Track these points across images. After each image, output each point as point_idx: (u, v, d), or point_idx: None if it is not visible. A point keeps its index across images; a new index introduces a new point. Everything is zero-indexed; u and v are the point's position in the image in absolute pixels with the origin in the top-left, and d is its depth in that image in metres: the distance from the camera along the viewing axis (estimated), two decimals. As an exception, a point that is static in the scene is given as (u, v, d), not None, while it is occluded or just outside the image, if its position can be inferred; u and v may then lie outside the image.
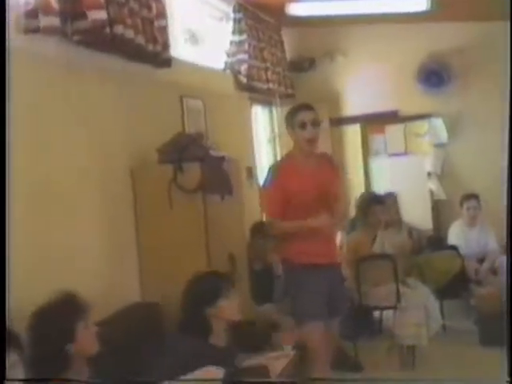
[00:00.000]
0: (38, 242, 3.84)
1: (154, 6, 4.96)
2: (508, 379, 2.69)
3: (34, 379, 2.21)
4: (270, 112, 8.48)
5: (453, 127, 8.37)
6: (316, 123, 4.76)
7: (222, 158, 5.14)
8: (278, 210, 4.66)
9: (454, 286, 6.61)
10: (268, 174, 4.88)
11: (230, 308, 3.76)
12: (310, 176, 4.71)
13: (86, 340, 3.28)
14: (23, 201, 3.70)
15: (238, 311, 3.81)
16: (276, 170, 4.89)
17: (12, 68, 3.58)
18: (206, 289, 3.77)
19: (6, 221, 2.30)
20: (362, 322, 6.09)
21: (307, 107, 4.83)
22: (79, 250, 4.23)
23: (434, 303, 6.03)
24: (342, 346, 5.71)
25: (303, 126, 4.71)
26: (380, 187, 7.97)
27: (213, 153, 5.12)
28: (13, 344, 2.78)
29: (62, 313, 3.26)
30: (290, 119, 4.80)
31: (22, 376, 2.84)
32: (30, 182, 3.81)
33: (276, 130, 8.37)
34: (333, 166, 4.95)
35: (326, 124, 8.31)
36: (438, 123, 8.44)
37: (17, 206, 3.53)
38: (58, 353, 3.20)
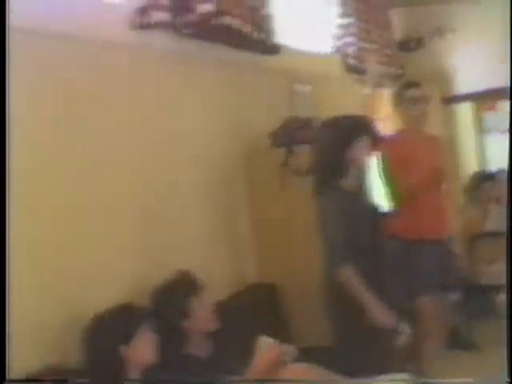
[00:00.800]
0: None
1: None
2: (508, 379, 2.72)
3: (34, 379, 2.33)
4: (380, 93, 8.48)
5: None
6: (425, 100, 4.81)
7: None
8: (392, 178, 4.76)
9: None
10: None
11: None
12: (419, 152, 4.76)
13: (202, 317, 3.47)
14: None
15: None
16: (389, 143, 4.97)
17: (126, 63, 3.82)
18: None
19: (5, 220, 2.42)
20: (475, 300, 6.07)
21: (415, 84, 4.88)
22: (194, 235, 4.41)
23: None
24: (455, 325, 5.71)
25: (413, 102, 4.77)
26: (492, 164, 7.89)
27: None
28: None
29: (178, 290, 3.46)
30: (399, 97, 4.86)
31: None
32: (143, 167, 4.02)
33: (386, 111, 8.37)
34: (440, 144, 4.98)
35: (436, 103, 8.28)
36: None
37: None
38: (173, 328, 3.40)
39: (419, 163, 4.72)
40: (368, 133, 3.96)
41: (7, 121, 2.53)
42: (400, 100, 4.86)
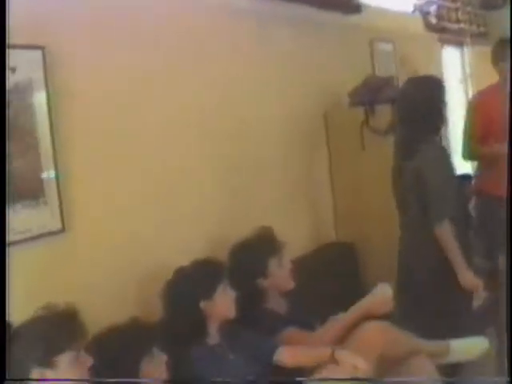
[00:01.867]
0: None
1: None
2: (508, 379, 2.66)
3: (34, 379, 2.36)
4: (462, 52, 8.34)
5: None
6: None
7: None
8: (479, 135, 4.70)
9: None
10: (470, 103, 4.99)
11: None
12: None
13: (280, 276, 3.49)
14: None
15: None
16: (477, 98, 4.98)
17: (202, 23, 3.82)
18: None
19: (5, 220, 2.45)
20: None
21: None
22: (275, 192, 4.43)
23: None
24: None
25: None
26: None
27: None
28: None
29: (256, 248, 3.48)
30: (498, 52, 4.78)
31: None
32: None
33: (468, 70, 8.23)
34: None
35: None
36: None
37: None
38: (251, 286, 3.43)
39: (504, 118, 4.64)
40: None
41: (7, 122, 2.56)
42: (498, 56, 4.78)
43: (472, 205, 5.19)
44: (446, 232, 3.77)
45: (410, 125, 3.95)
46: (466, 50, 8.23)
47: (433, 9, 7.07)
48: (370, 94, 4.82)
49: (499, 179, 4.60)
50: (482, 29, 8.09)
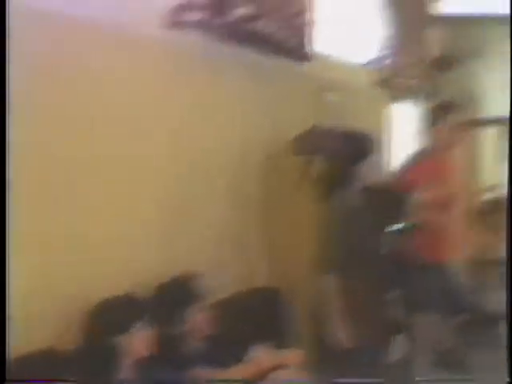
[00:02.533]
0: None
1: (295, 2, 5.12)
2: (508, 379, 2.74)
3: (34, 379, 2.40)
4: (412, 109, 8.50)
5: None
6: (460, 123, 4.85)
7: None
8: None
9: None
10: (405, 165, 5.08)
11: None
12: (439, 172, 4.80)
13: (200, 321, 3.54)
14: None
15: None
16: (412, 162, 5.08)
17: (151, 60, 3.86)
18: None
19: (5, 219, 2.47)
20: (478, 326, 6.08)
21: (453, 106, 4.91)
22: (206, 234, 4.47)
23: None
24: (453, 347, 5.74)
25: (448, 125, 4.81)
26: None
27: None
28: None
29: (178, 292, 3.53)
30: (435, 116, 4.89)
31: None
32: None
33: (418, 126, 8.37)
34: (454, 168, 5.01)
35: (468, 124, 8.29)
36: None
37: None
38: (169, 330, 3.48)
39: (435, 184, 4.76)
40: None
41: (7, 121, 2.58)
42: (434, 119, 4.89)
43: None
44: (326, 285, 3.87)
45: (336, 175, 4.05)
46: (416, 107, 8.39)
47: (385, 63, 7.20)
48: (313, 143, 4.90)
49: (423, 243, 4.73)
50: (432, 88, 8.25)
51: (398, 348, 4.13)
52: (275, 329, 4.59)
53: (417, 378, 4.71)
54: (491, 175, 8.66)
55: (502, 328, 5.79)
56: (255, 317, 4.46)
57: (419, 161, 5.01)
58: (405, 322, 4.80)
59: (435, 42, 8.60)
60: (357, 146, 4.10)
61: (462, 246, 5.31)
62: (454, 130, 4.85)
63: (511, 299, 3.39)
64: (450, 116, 4.88)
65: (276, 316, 4.71)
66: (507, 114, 8.31)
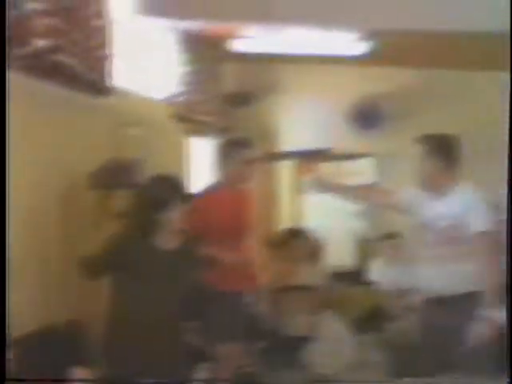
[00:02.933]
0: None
1: (96, 35, 5.13)
2: (508, 380, 2.91)
3: (34, 379, 2.36)
4: (207, 144, 8.68)
5: (383, 167, 8.70)
6: (251, 160, 4.99)
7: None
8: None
9: (371, 320, 6.88)
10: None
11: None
12: (228, 207, 4.93)
13: None
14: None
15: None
16: (201, 196, 5.15)
17: None
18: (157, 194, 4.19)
19: (5, 219, 2.43)
20: (280, 351, 6.29)
21: (244, 143, 5.05)
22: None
23: (349, 335, 6.27)
24: (256, 373, 5.91)
25: (239, 160, 4.94)
26: (309, 222, 8.24)
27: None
28: None
29: None
30: (225, 152, 5.01)
31: None
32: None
33: (212, 161, 8.54)
34: (249, 200, 5.17)
35: (260, 159, 8.59)
36: (369, 163, 8.78)
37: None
38: None
39: (222, 219, 4.89)
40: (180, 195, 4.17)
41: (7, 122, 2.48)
42: (226, 155, 5.00)
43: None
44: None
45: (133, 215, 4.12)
46: (211, 142, 8.58)
47: (182, 99, 7.34)
48: (109, 177, 4.91)
49: (218, 274, 4.84)
50: (227, 124, 8.48)
51: (202, 374, 4.22)
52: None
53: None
54: (288, 206, 9.01)
55: (303, 350, 6.06)
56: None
57: (211, 194, 5.11)
58: (207, 350, 4.90)
59: (230, 78, 8.87)
60: (162, 187, 4.18)
61: (258, 275, 5.47)
62: (245, 164, 4.98)
63: (511, 301, 3.54)
64: (240, 151, 5.00)
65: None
66: (302, 148, 8.79)
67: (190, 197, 4.39)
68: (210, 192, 5.16)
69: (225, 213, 4.81)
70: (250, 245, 5.06)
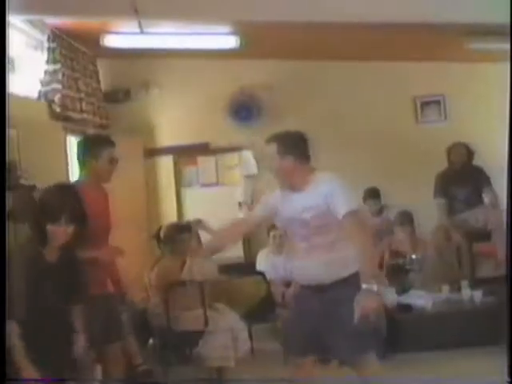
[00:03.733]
0: None
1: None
2: (508, 379, 2.91)
3: (34, 379, 2.25)
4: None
5: (261, 159, 8.75)
6: (115, 159, 4.93)
7: (33, 187, 5.22)
8: None
9: (262, 310, 6.92)
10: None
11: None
12: (93, 204, 4.85)
13: None
14: None
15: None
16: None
17: None
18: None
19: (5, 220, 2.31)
20: (171, 346, 6.25)
21: (111, 142, 4.98)
22: None
23: (241, 326, 6.27)
24: (150, 370, 5.85)
25: (106, 160, 4.87)
26: (192, 216, 8.16)
27: (24, 182, 5.17)
28: None
29: None
30: (91, 151, 4.91)
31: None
32: None
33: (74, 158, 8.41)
34: (113, 198, 5.13)
35: (139, 154, 8.52)
36: (249, 155, 8.82)
37: None
38: None
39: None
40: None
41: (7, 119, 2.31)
42: (89, 152, 4.91)
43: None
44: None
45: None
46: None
47: (57, 97, 7.19)
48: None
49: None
50: (104, 121, 8.38)
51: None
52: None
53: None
54: (169, 201, 8.96)
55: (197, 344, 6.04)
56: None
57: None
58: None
59: (106, 75, 8.74)
60: (60, 197, 4.08)
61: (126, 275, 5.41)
62: (107, 162, 4.91)
63: (511, 301, 3.51)
64: (101, 149, 4.93)
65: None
66: (180, 142, 8.76)
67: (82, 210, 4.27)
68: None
69: (91, 210, 4.71)
70: (116, 243, 5.00)
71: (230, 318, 6.24)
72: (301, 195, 4.30)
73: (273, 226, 7.81)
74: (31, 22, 6.95)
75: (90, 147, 4.91)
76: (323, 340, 4.27)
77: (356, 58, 8.61)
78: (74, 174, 7.98)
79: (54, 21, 7.08)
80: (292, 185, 4.38)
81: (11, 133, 6.01)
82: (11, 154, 5.92)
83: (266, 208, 4.60)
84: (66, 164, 7.72)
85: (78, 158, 4.96)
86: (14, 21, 6.56)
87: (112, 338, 4.85)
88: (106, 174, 4.91)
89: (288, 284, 7.48)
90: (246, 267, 7.95)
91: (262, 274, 7.37)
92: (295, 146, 4.38)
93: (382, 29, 6.80)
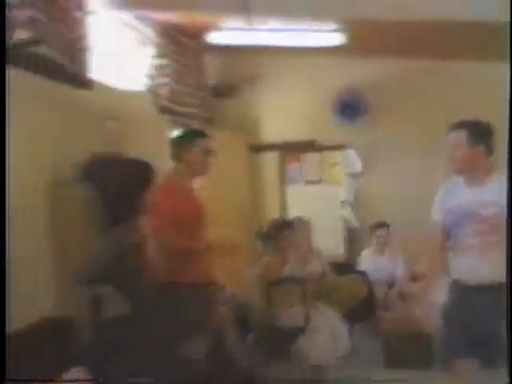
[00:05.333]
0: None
1: (77, 27, 5.04)
2: (508, 379, 2.84)
3: (34, 379, 2.29)
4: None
5: (366, 158, 8.64)
6: (210, 151, 4.95)
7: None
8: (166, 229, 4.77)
9: (363, 310, 6.83)
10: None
11: None
12: (186, 198, 4.87)
13: None
14: None
15: None
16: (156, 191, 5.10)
17: None
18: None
19: (5, 220, 2.36)
20: (271, 342, 6.23)
21: (203, 134, 5.01)
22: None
23: (342, 326, 6.21)
24: (251, 367, 5.85)
25: (200, 152, 4.90)
26: (295, 213, 8.15)
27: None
28: None
29: None
30: (184, 143, 4.94)
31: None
32: None
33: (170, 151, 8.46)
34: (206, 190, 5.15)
35: (244, 150, 8.52)
36: (352, 154, 8.73)
37: None
38: None
39: (183, 209, 4.83)
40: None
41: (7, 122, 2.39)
42: (186, 145, 4.94)
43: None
44: None
45: (107, 206, 4.01)
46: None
47: (164, 91, 7.26)
48: (96, 170, 4.83)
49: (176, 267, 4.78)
50: (209, 115, 8.42)
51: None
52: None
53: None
54: (272, 197, 8.94)
55: (296, 340, 6.01)
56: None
57: (167, 184, 5.05)
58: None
59: (212, 70, 8.79)
60: (137, 175, 4.07)
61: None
62: (203, 154, 4.93)
63: (511, 300, 3.48)
64: (198, 141, 4.96)
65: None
66: (285, 139, 8.72)
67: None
68: (169, 182, 5.06)
69: (185, 202, 4.74)
70: (219, 239, 5.01)
71: (331, 316, 6.18)
72: (480, 189, 4.15)
73: (376, 225, 7.73)
74: (140, 18, 7.01)
75: (184, 139, 4.97)
76: (488, 342, 4.09)
77: (467, 58, 8.38)
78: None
79: (162, 16, 7.14)
80: (474, 177, 4.23)
81: (117, 125, 6.12)
82: (117, 146, 6.02)
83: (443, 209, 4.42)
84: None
85: (172, 152, 5.02)
86: (122, 16, 6.66)
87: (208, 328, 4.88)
88: (201, 165, 4.95)
89: (390, 285, 7.39)
90: (347, 266, 7.86)
91: (363, 273, 7.27)
92: (486, 136, 4.23)
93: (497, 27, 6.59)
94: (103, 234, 3.91)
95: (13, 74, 4.43)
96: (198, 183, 5.13)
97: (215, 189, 5.10)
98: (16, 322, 4.17)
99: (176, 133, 5.57)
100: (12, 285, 4.40)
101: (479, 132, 4.23)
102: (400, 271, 7.55)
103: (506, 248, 3.72)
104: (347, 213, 8.71)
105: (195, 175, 4.99)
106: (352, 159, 8.74)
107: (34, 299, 4.74)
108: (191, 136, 4.99)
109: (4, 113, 2.48)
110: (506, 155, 3.41)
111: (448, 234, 4.39)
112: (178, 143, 5.01)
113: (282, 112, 8.93)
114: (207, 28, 7.20)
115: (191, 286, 4.76)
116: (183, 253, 4.69)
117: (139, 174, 4.05)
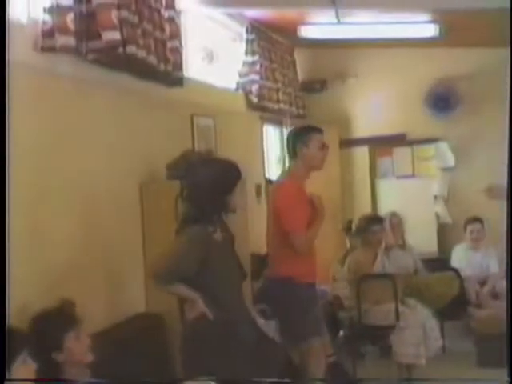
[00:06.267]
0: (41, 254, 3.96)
1: (167, 26, 5.11)
2: (508, 379, 2.79)
3: (34, 379, 2.32)
4: (281, 132, 8.64)
5: (459, 152, 8.50)
6: (326, 146, 4.98)
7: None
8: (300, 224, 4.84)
9: (454, 308, 6.70)
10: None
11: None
12: (306, 196, 4.91)
13: (77, 350, 3.45)
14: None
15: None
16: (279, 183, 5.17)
17: (24, 84, 3.74)
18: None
19: (5, 220, 2.41)
20: (361, 339, 6.21)
21: (319, 129, 5.04)
22: (86, 262, 4.36)
23: (433, 323, 6.11)
24: (340, 362, 5.83)
25: (317, 146, 4.93)
26: (387, 208, 8.06)
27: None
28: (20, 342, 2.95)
29: (53, 321, 3.44)
30: (301, 138, 4.98)
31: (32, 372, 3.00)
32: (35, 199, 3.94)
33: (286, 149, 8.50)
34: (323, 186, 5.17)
35: (335, 145, 8.48)
36: (445, 147, 8.58)
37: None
38: (46, 359, 3.36)
39: (304, 207, 4.87)
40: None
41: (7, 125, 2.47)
42: (301, 142, 4.98)
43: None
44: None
45: (193, 203, 4.01)
46: (285, 129, 8.53)
47: (254, 88, 7.29)
48: (185, 168, 4.88)
49: (302, 266, 4.81)
50: (300, 111, 8.43)
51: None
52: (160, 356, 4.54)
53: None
54: (363, 192, 8.88)
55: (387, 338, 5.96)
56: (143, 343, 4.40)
57: (286, 181, 5.10)
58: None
59: (303, 65, 8.79)
60: (224, 174, 4.06)
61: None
62: (320, 149, 4.96)
63: (511, 300, 3.44)
64: (315, 137, 4.98)
65: (162, 342, 4.66)
66: (376, 133, 8.63)
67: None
68: (291, 180, 5.09)
69: (305, 199, 4.79)
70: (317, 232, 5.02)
71: (422, 314, 6.09)
72: None
73: (470, 220, 7.58)
74: (230, 15, 7.06)
75: (300, 135, 5.02)
76: None
77: None
78: (269, 162, 8.16)
79: (252, 13, 7.17)
80: None
81: (208, 122, 6.19)
82: (208, 143, 6.09)
83: None
84: (262, 153, 7.85)
85: (288, 149, 5.08)
86: (213, 14, 6.72)
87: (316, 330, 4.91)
88: (317, 160, 5.00)
89: (483, 282, 7.24)
90: (439, 263, 7.72)
91: (455, 270, 7.13)
92: None
93: None
94: (188, 231, 3.92)
95: (106, 75, 4.57)
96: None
97: (307, 184, 5.09)
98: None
99: (290, 131, 5.62)
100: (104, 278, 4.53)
101: None
102: (494, 268, 7.39)
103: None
104: (440, 208, 8.58)
105: (312, 170, 5.04)
106: (445, 153, 8.60)
107: (128, 296, 4.85)
108: (308, 132, 5.03)
109: (4, 113, 2.49)
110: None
111: None
112: (294, 139, 5.06)
113: (373, 106, 8.85)
114: (297, 23, 7.20)
115: (306, 284, 4.83)
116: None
117: (227, 175, 4.03)
